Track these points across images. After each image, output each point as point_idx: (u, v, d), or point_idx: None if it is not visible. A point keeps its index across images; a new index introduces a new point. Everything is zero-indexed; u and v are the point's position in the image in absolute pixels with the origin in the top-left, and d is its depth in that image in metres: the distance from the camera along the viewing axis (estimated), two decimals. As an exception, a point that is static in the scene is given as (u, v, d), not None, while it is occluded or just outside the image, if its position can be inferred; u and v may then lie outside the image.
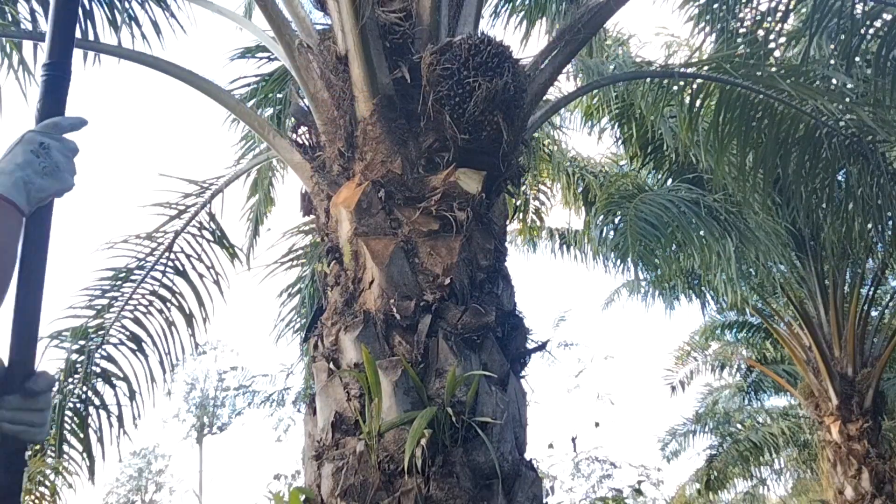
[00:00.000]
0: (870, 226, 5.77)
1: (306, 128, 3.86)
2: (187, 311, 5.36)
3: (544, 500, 3.30)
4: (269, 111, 6.27)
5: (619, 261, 8.18)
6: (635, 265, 7.50)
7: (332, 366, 3.27)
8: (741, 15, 5.29)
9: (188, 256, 5.35)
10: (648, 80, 5.79)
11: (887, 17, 4.97)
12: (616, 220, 7.16)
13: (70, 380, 5.05)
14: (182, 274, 5.33)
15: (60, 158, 1.31)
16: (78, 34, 4.65)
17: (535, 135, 7.07)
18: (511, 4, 6.15)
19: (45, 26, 4.56)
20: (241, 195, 6.69)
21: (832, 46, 5.10)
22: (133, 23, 4.90)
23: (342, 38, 3.56)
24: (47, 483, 5.79)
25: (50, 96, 1.36)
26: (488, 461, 2.94)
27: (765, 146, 5.25)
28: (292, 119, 4.11)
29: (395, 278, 3.23)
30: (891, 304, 11.18)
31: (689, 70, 5.32)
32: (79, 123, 1.36)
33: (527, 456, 3.28)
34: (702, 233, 6.63)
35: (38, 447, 5.51)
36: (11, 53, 4.82)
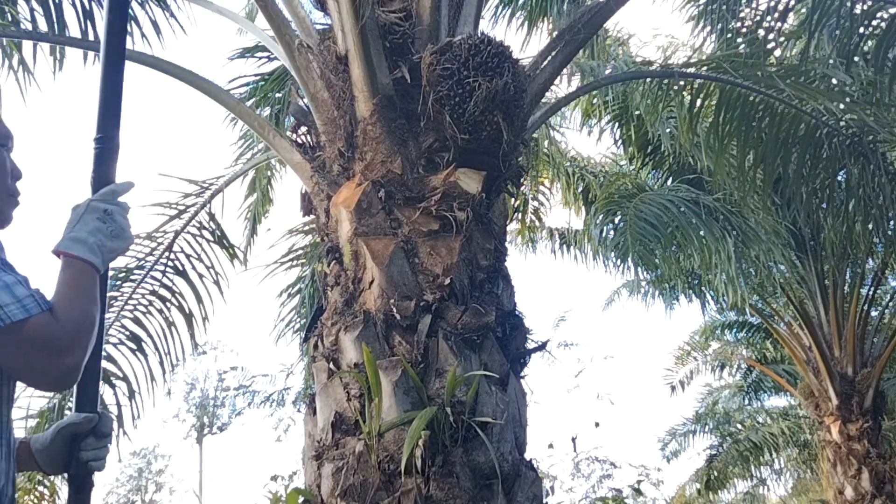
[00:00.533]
0: (871, 226, 5.77)
1: (306, 128, 3.86)
2: (187, 311, 5.36)
3: (544, 500, 3.30)
4: (268, 111, 6.26)
5: (619, 261, 8.18)
6: (635, 265, 7.49)
7: (332, 366, 3.27)
8: (741, 14, 5.29)
9: (188, 256, 5.35)
10: (648, 80, 5.78)
11: (885, 14, 4.97)
12: (616, 220, 7.16)
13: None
14: (182, 274, 5.33)
15: (122, 221, 1.50)
16: (78, 34, 4.66)
17: (535, 135, 7.06)
18: (513, 5, 6.15)
19: (45, 26, 4.58)
20: (241, 195, 6.70)
21: (831, 46, 5.10)
22: (133, 23, 4.90)
23: (342, 38, 3.56)
24: (47, 483, 5.79)
25: (103, 166, 1.55)
26: (488, 461, 2.94)
27: (765, 146, 5.26)
28: (292, 119, 4.10)
29: (395, 278, 3.23)
30: (891, 304, 11.18)
31: (689, 70, 5.32)
32: (129, 187, 1.56)
33: (527, 456, 3.29)
34: (702, 233, 6.63)
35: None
36: (12, 54, 4.81)
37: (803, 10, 5.67)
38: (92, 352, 1.43)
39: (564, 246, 9.92)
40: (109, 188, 1.53)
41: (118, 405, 5.13)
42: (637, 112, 7.15)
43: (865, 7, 4.97)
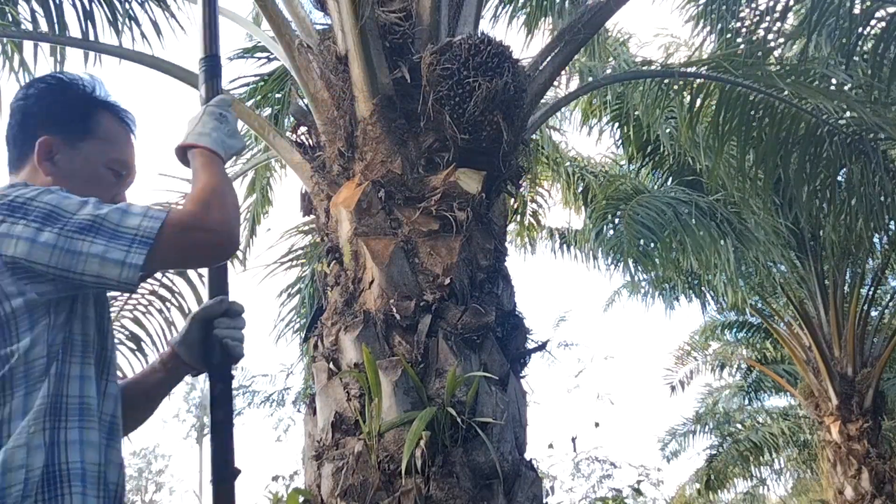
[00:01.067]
0: (872, 224, 5.77)
1: (306, 128, 3.86)
2: (187, 311, 5.36)
3: (544, 500, 3.30)
4: (268, 111, 6.26)
5: (616, 264, 8.16)
6: (631, 269, 7.47)
7: (332, 366, 3.27)
8: (741, 14, 5.30)
9: (188, 256, 5.33)
10: (648, 80, 5.78)
11: (884, 13, 4.97)
12: (614, 223, 7.14)
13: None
14: (182, 273, 5.33)
15: (235, 124, 1.65)
16: (78, 34, 4.66)
17: (535, 136, 7.06)
18: (513, 5, 6.15)
19: (45, 26, 4.58)
20: (240, 195, 6.70)
21: (831, 46, 5.11)
22: (133, 23, 4.90)
23: (342, 38, 3.56)
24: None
25: (212, 81, 1.73)
26: (488, 461, 2.94)
27: (765, 145, 5.26)
28: (292, 119, 4.10)
29: (395, 278, 3.23)
30: (891, 304, 11.18)
31: (689, 70, 5.32)
32: (232, 99, 1.74)
33: (527, 456, 3.28)
34: (700, 233, 6.62)
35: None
36: (13, 56, 4.81)
37: (802, 11, 5.68)
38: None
39: (564, 246, 9.92)
40: (221, 97, 1.67)
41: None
42: (637, 112, 7.15)
43: (864, 6, 4.97)
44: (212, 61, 1.77)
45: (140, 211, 1.36)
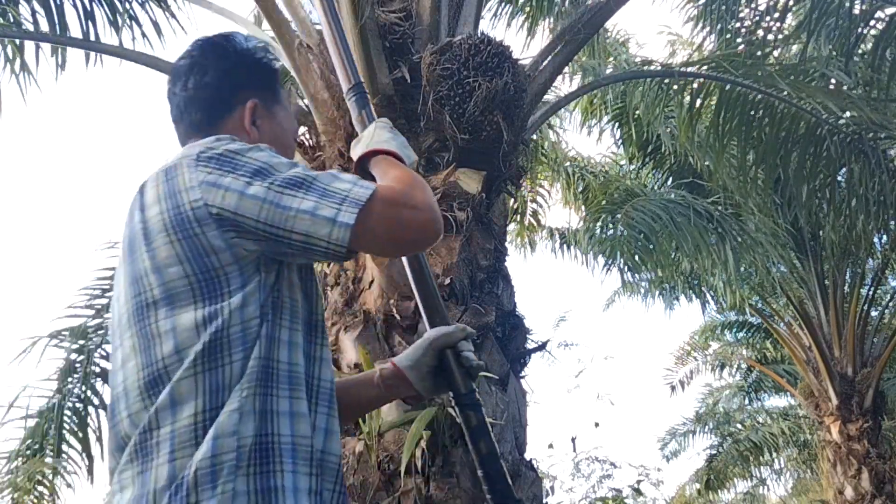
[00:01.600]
0: (871, 224, 5.77)
1: (306, 128, 3.86)
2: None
3: (544, 500, 3.30)
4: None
5: (610, 268, 8.14)
6: (626, 274, 7.45)
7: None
8: (741, 15, 5.31)
9: (188, 256, 5.32)
10: (648, 80, 5.78)
11: (883, 14, 4.98)
12: (612, 225, 7.12)
13: (69, 379, 5.04)
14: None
15: (404, 139, 1.57)
16: (79, 34, 4.67)
17: (535, 136, 7.06)
18: (513, 5, 6.15)
19: (46, 26, 4.58)
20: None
21: (830, 46, 5.11)
22: (133, 23, 4.90)
23: (342, 38, 3.56)
24: (46, 483, 5.79)
25: (367, 107, 1.71)
26: (488, 461, 2.94)
27: (765, 145, 5.26)
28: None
29: (395, 278, 3.23)
30: (891, 304, 11.17)
31: (690, 70, 5.33)
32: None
33: (527, 456, 3.29)
34: (696, 234, 6.60)
35: (36, 446, 5.53)
36: (14, 59, 4.81)
37: (802, 11, 5.69)
38: (421, 287, 1.56)
39: (564, 246, 9.91)
40: (383, 118, 1.62)
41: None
42: (637, 112, 7.15)
43: (864, 7, 4.98)
44: (359, 89, 1.73)
45: (351, 178, 1.30)
